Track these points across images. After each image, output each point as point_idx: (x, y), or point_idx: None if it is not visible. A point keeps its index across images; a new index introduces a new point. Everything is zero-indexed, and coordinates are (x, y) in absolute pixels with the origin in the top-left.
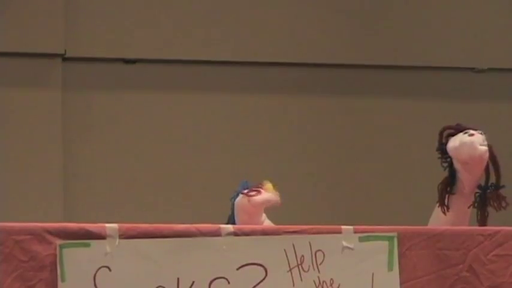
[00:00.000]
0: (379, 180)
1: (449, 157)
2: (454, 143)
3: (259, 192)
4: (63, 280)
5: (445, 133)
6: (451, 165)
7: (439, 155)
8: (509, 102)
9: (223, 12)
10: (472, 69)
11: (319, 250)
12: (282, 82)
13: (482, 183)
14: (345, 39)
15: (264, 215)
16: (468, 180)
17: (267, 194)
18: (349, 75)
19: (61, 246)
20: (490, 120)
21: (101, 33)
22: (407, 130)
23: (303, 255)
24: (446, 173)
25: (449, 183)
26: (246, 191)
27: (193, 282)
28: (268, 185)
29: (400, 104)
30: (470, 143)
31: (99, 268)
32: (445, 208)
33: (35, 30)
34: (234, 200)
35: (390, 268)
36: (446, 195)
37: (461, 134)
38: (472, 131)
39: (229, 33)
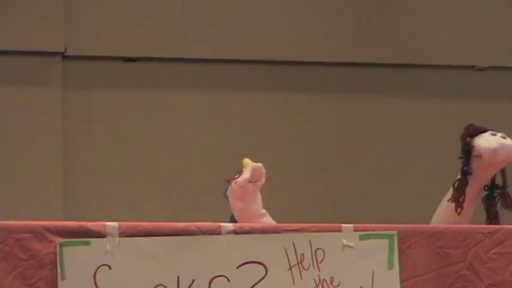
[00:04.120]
0: (379, 178)
1: (470, 156)
2: (488, 144)
3: (241, 173)
4: (63, 278)
5: (470, 131)
6: (467, 164)
7: (464, 153)
8: (509, 100)
9: (224, 11)
10: (472, 67)
11: (319, 248)
12: (283, 80)
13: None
14: (345, 37)
15: (264, 210)
16: (483, 181)
17: (248, 169)
18: (349, 74)
19: (61, 245)
20: (490, 119)
21: (101, 31)
22: (407, 128)
23: (303, 254)
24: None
25: (466, 183)
26: (229, 179)
27: (193, 280)
28: (246, 161)
29: (400, 102)
30: (510, 146)
31: (99, 266)
32: (461, 209)
33: (35, 29)
34: (226, 194)
35: (390, 266)
36: (463, 195)
37: (487, 135)
38: (500, 133)
39: (230, 31)
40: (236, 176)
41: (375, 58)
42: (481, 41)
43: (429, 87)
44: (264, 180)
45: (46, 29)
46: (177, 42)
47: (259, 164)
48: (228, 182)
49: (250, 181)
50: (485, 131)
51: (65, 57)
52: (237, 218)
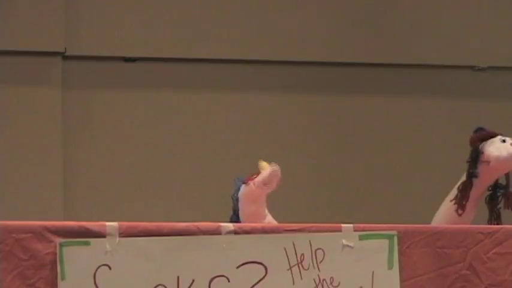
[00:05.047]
0: (379, 178)
1: (477, 160)
2: (498, 152)
3: (257, 174)
4: (63, 278)
5: (480, 136)
6: (474, 167)
7: (472, 158)
8: (509, 100)
9: (224, 10)
10: (472, 67)
11: (319, 248)
12: (283, 80)
13: None
14: (345, 37)
15: (266, 210)
16: (487, 184)
17: (266, 171)
18: (349, 74)
19: (61, 245)
20: (490, 119)
21: (101, 31)
22: (407, 128)
23: (303, 254)
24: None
25: (471, 187)
26: (247, 179)
27: (193, 280)
28: (263, 164)
29: (400, 102)
30: None
31: (99, 266)
32: (463, 211)
33: (35, 29)
34: (237, 195)
35: (390, 266)
36: (466, 198)
37: (497, 141)
38: (509, 139)
39: (230, 31)
40: (254, 176)
41: (375, 58)
42: (481, 41)
43: (429, 87)
44: (276, 185)
45: (46, 29)
46: (177, 42)
47: (274, 170)
48: (245, 182)
49: (266, 182)
50: (494, 135)
51: (65, 57)
52: (244, 221)
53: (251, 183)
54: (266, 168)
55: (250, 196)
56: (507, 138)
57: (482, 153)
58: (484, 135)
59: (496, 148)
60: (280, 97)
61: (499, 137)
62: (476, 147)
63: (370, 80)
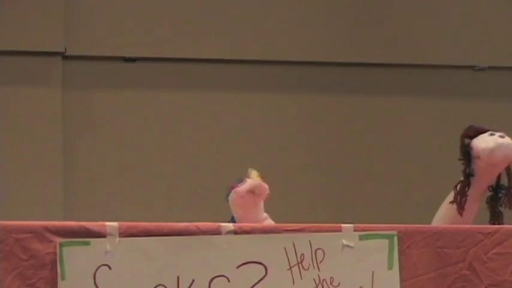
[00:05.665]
0: (379, 178)
1: (470, 158)
2: (485, 144)
3: (243, 182)
4: (63, 278)
5: (469, 133)
6: (469, 166)
7: (463, 156)
8: (509, 100)
9: (224, 11)
10: (472, 67)
11: (319, 248)
12: (283, 80)
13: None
14: (345, 37)
15: (265, 214)
16: (486, 182)
17: (251, 181)
18: (349, 74)
19: (61, 245)
20: (490, 119)
21: (101, 31)
22: (407, 128)
23: (303, 254)
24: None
25: (468, 185)
26: (232, 186)
27: (193, 280)
28: (253, 173)
29: (400, 102)
30: (508, 145)
31: (99, 266)
32: (463, 210)
33: (35, 29)
34: (227, 200)
35: (390, 266)
36: (464, 197)
37: (486, 135)
38: (498, 133)
39: (230, 31)
40: (239, 184)
41: (375, 58)
42: (481, 41)
43: (429, 87)
44: (266, 195)
45: (46, 29)
46: (177, 42)
47: (260, 182)
48: (230, 188)
49: (253, 191)
50: (484, 131)
51: (65, 57)
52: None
53: (232, 191)
54: (252, 178)
55: (235, 202)
56: (496, 133)
57: (472, 148)
58: (473, 132)
59: (484, 141)
60: (280, 97)
61: (488, 132)
62: (465, 144)
63: (370, 80)
